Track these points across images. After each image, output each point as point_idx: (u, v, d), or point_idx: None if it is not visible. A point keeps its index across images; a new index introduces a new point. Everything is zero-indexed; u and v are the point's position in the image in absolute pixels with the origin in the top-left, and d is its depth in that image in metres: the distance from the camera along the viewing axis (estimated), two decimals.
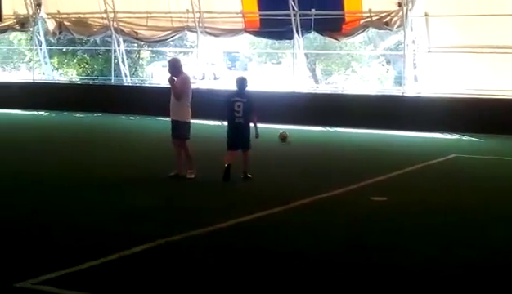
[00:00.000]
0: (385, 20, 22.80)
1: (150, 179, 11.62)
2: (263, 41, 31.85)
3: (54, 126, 22.24)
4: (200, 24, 25.22)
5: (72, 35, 28.36)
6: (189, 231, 7.74)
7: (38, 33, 28.47)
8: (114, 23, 26.40)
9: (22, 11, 27.79)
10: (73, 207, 9.23)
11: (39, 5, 27.67)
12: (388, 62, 33.17)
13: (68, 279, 6.01)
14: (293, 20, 23.56)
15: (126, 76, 27.45)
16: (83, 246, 7.14)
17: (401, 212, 9.50)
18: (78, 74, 33.83)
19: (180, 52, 32.54)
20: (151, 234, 7.54)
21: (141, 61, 34.34)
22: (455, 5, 21.76)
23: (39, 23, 28.32)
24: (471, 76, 22.14)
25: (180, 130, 11.70)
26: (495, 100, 21.25)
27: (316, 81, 32.24)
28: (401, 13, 22.34)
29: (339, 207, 9.79)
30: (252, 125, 11.91)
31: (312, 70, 32.59)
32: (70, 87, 29.69)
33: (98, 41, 30.73)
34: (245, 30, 25.20)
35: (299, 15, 23.47)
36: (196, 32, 25.59)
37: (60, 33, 27.91)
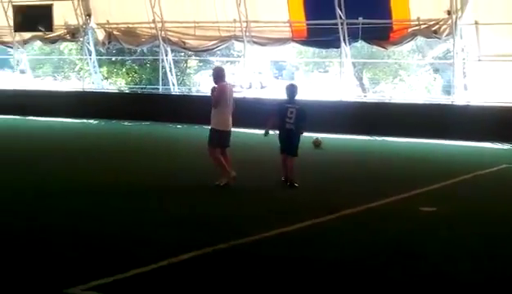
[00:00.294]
0: (434, 29, 22.53)
1: (195, 187, 11.63)
2: (310, 50, 31.79)
3: (103, 134, 22.57)
4: (247, 34, 25.31)
5: (121, 45, 28.75)
6: (235, 240, 7.74)
7: (88, 43, 28.93)
8: (162, 32, 26.67)
9: (73, 21, 28.27)
10: (119, 214, 9.31)
11: (89, 15, 28.11)
12: (436, 71, 32.77)
13: (117, 286, 6.06)
14: (340, 29, 23.45)
15: (173, 85, 27.69)
16: (131, 253, 7.19)
17: (451, 222, 9.34)
18: (126, 83, 34.25)
19: (227, 61, 32.71)
20: (198, 243, 7.56)
21: (188, 70, 34.61)
22: (506, 13, 21.37)
23: (89, 33, 28.77)
24: None
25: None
26: None
27: (364, 90, 32.05)
28: (450, 21, 22.05)
29: (387, 217, 9.67)
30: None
31: (360, 79, 32.42)
32: (119, 96, 30.03)
33: (146, 50, 31.09)
34: (292, 39, 25.19)
35: (347, 24, 23.35)
36: (243, 41, 25.69)
37: (109, 42, 28.30)
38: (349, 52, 24.46)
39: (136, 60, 33.71)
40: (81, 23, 28.19)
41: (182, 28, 26.44)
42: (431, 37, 23.63)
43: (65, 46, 35.56)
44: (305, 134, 12.25)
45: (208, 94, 12.30)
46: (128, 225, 8.58)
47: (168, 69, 27.38)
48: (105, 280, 6.10)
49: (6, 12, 28.90)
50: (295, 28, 24.81)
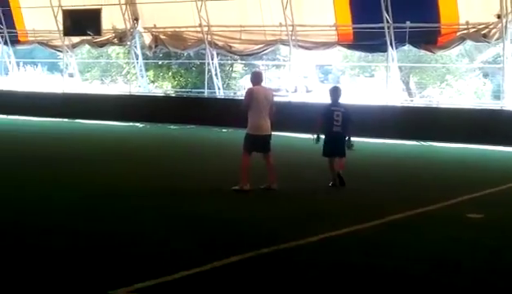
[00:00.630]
0: (483, 32, 22.20)
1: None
2: (356, 54, 31.60)
3: (148, 138, 22.77)
4: (293, 38, 25.28)
5: (167, 49, 29.00)
6: (279, 244, 7.69)
7: (135, 46, 29.27)
8: (209, 36, 26.82)
9: (120, 25, 28.64)
10: (163, 217, 9.35)
11: (137, 20, 28.44)
12: (486, 75, 32.26)
13: (161, 289, 6.07)
14: (387, 33, 23.26)
15: (219, 89, 27.81)
16: (175, 256, 7.21)
17: (500, 230, 9.14)
18: (172, 87, 34.55)
19: (272, 65, 32.72)
20: (241, 246, 7.54)
21: (233, 74, 34.73)
22: None
23: (136, 37, 29.12)
24: None
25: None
26: None
27: (410, 94, 31.72)
28: (500, 25, 21.68)
29: (432, 223, 9.51)
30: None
31: (406, 83, 32.11)
32: (165, 100, 30.33)
33: (192, 54, 31.30)
34: (338, 43, 25.08)
35: (394, 28, 23.15)
36: (289, 45, 25.67)
37: (156, 46, 28.58)
38: (396, 56, 24.24)
39: (182, 64, 33.99)
40: (128, 27, 28.52)
41: (228, 32, 26.55)
42: (480, 41, 23.30)
43: (113, 50, 36.07)
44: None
45: None
46: (172, 228, 8.61)
47: (213, 73, 27.51)
48: (148, 283, 6.12)
49: (56, 17, 29.43)
50: (341, 32, 24.69)
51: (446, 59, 30.48)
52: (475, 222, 9.61)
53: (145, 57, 30.33)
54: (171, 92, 33.88)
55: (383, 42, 23.51)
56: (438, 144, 20.88)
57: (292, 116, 21.48)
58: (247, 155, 11.55)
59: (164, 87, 34.88)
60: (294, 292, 6.18)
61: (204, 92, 28.64)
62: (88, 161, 15.35)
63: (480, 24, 22.20)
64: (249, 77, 33.16)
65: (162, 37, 28.16)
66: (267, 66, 32.16)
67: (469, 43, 24.77)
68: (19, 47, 32.53)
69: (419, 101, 30.19)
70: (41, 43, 31.40)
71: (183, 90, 33.37)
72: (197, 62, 32.19)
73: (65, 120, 27.05)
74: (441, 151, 19.94)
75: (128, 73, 33.26)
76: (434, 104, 28.86)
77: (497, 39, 22.15)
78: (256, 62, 32.07)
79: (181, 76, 34.63)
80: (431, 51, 24.39)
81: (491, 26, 21.99)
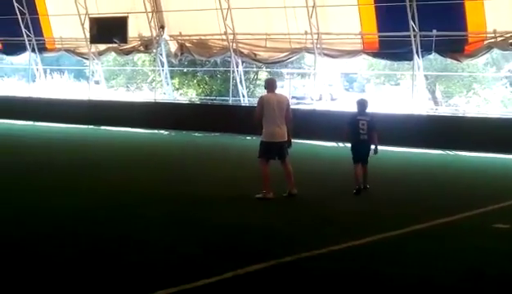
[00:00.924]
0: (511, 41, 21.98)
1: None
2: (382, 62, 31.47)
3: (173, 144, 22.82)
4: (318, 46, 25.23)
5: (193, 56, 29.12)
6: (300, 253, 7.63)
7: (161, 54, 29.42)
8: (234, 44, 26.87)
9: (146, 33, 28.81)
10: (186, 223, 9.33)
11: (163, 27, 28.58)
12: None
13: None
14: (413, 41, 23.12)
15: (243, 96, 27.83)
16: (196, 263, 7.18)
17: None
18: (197, 94, 34.67)
19: (297, 74, 32.70)
20: (264, 254, 7.50)
21: (258, 82, 34.76)
22: None
23: (162, 45, 29.27)
24: None
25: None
26: None
27: (436, 103, 31.51)
28: None
29: (458, 234, 9.39)
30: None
31: (432, 92, 31.90)
32: (190, 107, 30.44)
33: (218, 62, 31.38)
34: (364, 51, 24.98)
35: (420, 36, 23.01)
36: (314, 53, 25.62)
37: (181, 54, 28.69)
38: (422, 65, 24.08)
39: (207, 72, 34.10)
40: (154, 35, 28.67)
41: (253, 40, 26.57)
42: (507, 50, 23.08)
43: (139, 58, 36.30)
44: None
45: None
46: (194, 235, 8.59)
47: (238, 81, 27.55)
48: (170, 290, 6.10)
49: (82, 24, 29.70)
50: (366, 40, 24.60)
51: (473, 67, 30.24)
52: (502, 232, 9.47)
53: (171, 65, 30.47)
54: (196, 100, 33.99)
55: (409, 50, 23.37)
56: (464, 153, 20.68)
57: (317, 124, 21.46)
58: (264, 163, 11.51)
59: (189, 95, 35.01)
60: None
61: (228, 100, 28.69)
62: (108, 167, 15.44)
63: (508, 33, 21.99)
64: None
65: (187, 44, 28.27)
66: (291, 74, 32.11)
67: (496, 52, 24.56)
68: (46, 55, 32.83)
69: (445, 110, 29.96)
70: (68, 51, 31.69)
71: (208, 97, 33.46)
72: (222, 70, 32.27)
73: (91, 127, 27.25)
74: (467, 160, 19.74)
75: (154, 80, 33.43)
76: (460, 113, 28.64)
77: None
78: (281, 70, 32.08)
79: (205, 83, 34.75)
80: (457, 60, 24.19)
81: None
